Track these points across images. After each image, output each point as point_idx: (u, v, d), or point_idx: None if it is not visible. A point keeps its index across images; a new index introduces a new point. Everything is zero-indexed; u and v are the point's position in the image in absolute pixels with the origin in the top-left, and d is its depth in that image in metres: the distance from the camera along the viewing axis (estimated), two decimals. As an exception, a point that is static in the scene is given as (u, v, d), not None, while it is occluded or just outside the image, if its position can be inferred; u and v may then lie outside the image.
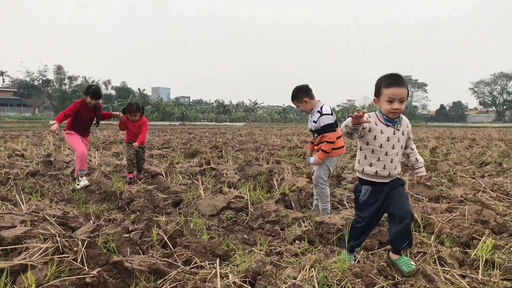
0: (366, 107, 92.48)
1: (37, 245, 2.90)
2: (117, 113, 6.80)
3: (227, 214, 4.54)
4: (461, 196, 5.03)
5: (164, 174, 7.17)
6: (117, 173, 7.40)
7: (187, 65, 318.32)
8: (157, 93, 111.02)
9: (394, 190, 2.89)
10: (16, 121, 46.22)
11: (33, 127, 31.42)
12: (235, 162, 9.06)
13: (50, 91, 77.44)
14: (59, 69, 75.32)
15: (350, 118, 2.75)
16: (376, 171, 2.87)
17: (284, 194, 5.38)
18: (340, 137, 4.63)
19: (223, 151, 11.74)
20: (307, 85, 4.68)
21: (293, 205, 5.02)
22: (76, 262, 2.73)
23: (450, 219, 4.04)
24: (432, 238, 3.44)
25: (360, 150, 2.96)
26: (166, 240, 3.50)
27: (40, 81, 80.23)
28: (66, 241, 2.95)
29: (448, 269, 2.86)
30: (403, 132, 2.91)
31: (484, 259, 3.00)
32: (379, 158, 2.86)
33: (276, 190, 5.82)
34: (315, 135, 4.63)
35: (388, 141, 2.85)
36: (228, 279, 2.69)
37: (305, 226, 4.04)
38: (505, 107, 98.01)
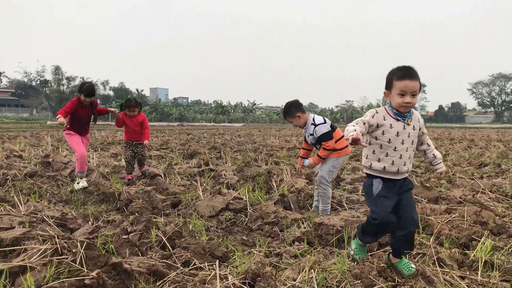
0: (365, 108, 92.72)
1: (36, 247, 2.89)
2: (113, 109, 6.78)
3: (226, 215, 4.54)
4: (460, 197, 5.03)
5: (162, 175, 7.16)
6: (115, 174, 7.40)
7: (186, 66, 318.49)
8: (155, 94, 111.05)
9: (403, 193, 2.81)
10: (14, 122, 46.15)
11: (31, 128, 31.37)
12: (234, 163, 9.05)
13: (48, 92, 77.33)
14: (57, 70, 75.25)
15: (349, 136, 2.62)
16: (384, 166, 2.77)
17: (283, 195, 5.38)
18: (342, 137, 4.68)
19: (222, 152, 11.74)
20: (297, 100, 4.78)
21: (292, 206, 5.02)
22: (75, 263, 2.72)
23: (449, 220, 4.05)
24: (431, 239, 3.44)
25: (368, 144, 2.85)
26: (165, 241, 3.50)
27: (38, 82, 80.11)
28: (65, 242, 2.94)
29: (448, 270, 2.86)
30: (414, 127, 2.80)
31: (483, 260, 3.00)
32: (387, 154, 2.76)
33: (275, 191, 5.82)
34: (318, 146, 4.70)
35: (397, 136, 2.75)
36: (228, 280, 2.69)
37: (304, 228, 4.03)
38: (503, 108, 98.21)
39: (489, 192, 5.52)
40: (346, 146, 4.70)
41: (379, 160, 2.79)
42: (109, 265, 2.79)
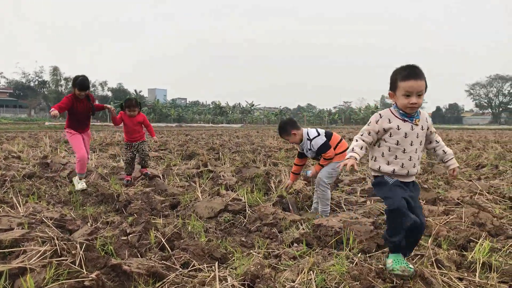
0: (362, 109, 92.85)
1: (35, 248, 2.89)
2: (109, 106, 6.73)
3: (225, 217, 4.55)
4: (458, 199, 5.05)
5: (161, 176, 7.17)
6: (114, 175, 7.40)
7: (185, 66, 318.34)
8: (154, 95, 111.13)
9: (414, 197, 2.72)
10: (12, 123, 46.08)
11: (29, 129, 31.32)
12: (232, 164, 9.06)
13: (46, 93, 77.32)
14: (55, 70, 75.29)
15: (347, 163, 2.60)
16: (394, 169, 2.67)
17: (281, 196, 5.39)
18: (341, 140, 4.75)
19: (220, 153, 11.74)
20: (291, 117, 4.88)
21: (290, 207, 5.03)
22: (75, 265, 2.72)
23: (447, 221, 4.07)
24: (429, 241, 3.45)
25: (376, 147, 2.77)
26: (164, 242, 3.50)
27: (36, 82, 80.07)
28: (65, 244, 2.94)
29: (446, 271, 2.88)
30: (422, 127, 2.71)
31: (481, 262, 3.01)
32: (396, 156, 2.67)
33: (273, 192, 5.83)
34: (319, 157, 4.77)
35: (405, 137, 2.65)
36: (227, 282, 2.70)
37: (303, 229, 4.04)
38: (501, 109, 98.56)
39: (486, 194, 5.54)
40: (347, 148, 4.73)
41: (388, 163, 2.70)
42: (108, 266, 2.79)
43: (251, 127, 53.68)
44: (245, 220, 4.50)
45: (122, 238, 3.64)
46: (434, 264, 2.95)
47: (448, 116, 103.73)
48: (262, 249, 3.47)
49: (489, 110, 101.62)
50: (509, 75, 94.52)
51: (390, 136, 2.66)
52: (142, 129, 7.07)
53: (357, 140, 2.72)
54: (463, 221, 4.05)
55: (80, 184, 6.02)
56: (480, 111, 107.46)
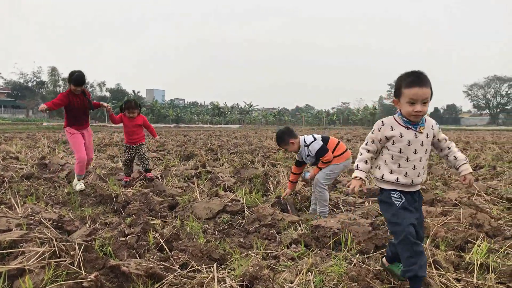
0: (360, 110, 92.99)
1: (33, 249, 2.89)
2: (106, 104, 6.70)
3: (223, 218, 4.55)
4: (456, 200, 5.06)
5: (159, 177, 7.17)
6: (112, 176, 7.39)
7: (183, 67, 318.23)
8: (152, 95, 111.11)
9: (418, 209, 2.63)
10: (10, 123, 46.00)
11: (27, 129, 31.27)
12: (231, 165, 9.06)
13: (44, 93, 77.21)
14: (53, 71, 75.22)
15: (352, 185, 2.57)
16: (397, 178, 2.57)
17: (280, 197, 5.39)
18: (339, 143, 4.78)
19: (219, 153, 11.74)
20: (288, 126, 5.00)
21: (289, 208, 5.04)
22: (73, 266, 2.72)
23: (445, 222, 4.07)
24: (427, 242, 3.46)
25: (379, 155, 2.68)
26: (163, 243, 3.51)
27: (34, 83, 79.95)
28: (63, 245, 2.94)
29: (444, 272, 2.89)
30: (427, 134, 2.58)
31: (479, 263, 3.03)
32: (399, 165, 2.57)
33: (271, 193, 5.84)
34: (318, 162, 4.79)
35: (409, 145, 2.54)
36: (225, 283, 2.70)
37: (301, 230, 4.05)
38: (498, 110, 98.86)
39: (484, 195, 5.56)
40: (346, 150, 4.79)
41: (391, 172, 2.59)
42: (107, 267, 2.79)
43: (249, 128, 53.69)
44: (244, 221, 4.50)
45: (121, 239, 3.64)
46: (432, 265, 2.96)
47: (446, 117, 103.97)
48: (260, 250, 3.48)
49: (487, 111, 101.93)
50: (507, 76, 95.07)
51: (393, 144, 2.58)
52: (142, 131, 7.03)
53: (361, 154, 2.66)
54: (461, 222, 4.06)
55: (78, 185, 6.01)
56: (478, 112, 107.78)
